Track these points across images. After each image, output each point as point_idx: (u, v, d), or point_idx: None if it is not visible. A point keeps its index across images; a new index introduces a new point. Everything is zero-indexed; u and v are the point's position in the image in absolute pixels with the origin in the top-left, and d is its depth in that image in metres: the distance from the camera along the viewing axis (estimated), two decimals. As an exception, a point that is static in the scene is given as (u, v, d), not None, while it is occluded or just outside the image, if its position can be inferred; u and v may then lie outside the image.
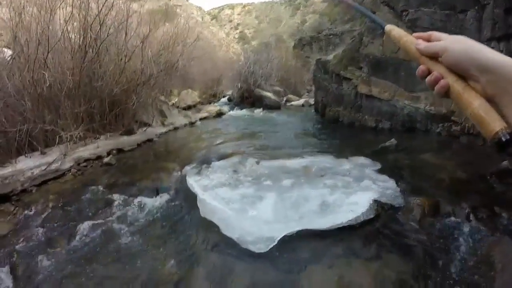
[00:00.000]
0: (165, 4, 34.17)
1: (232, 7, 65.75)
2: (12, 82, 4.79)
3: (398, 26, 0.67)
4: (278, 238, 2.76)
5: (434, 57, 0.56)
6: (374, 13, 7.06)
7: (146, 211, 3.53)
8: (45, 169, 4.77)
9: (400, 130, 6.50)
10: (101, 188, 4.17)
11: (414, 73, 0.58)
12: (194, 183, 3.95)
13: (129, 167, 5.08)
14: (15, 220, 3.52)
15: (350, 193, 3.44)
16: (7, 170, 4.72)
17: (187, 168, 4.57)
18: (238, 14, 63.75)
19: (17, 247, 3.02)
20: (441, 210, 3.13)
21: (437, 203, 3.20)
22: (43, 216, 3.58)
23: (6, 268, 2.76)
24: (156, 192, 3.95)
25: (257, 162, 4.48)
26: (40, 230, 3.28)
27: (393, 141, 5.43)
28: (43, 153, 5.39)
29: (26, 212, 3.65)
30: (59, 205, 3.80)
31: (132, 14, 7.42)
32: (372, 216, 3.05)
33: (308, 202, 3.32)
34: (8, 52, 5.40)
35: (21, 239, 3.14)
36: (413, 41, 0.60)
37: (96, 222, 3.35)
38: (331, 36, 18.86)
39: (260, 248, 2.69)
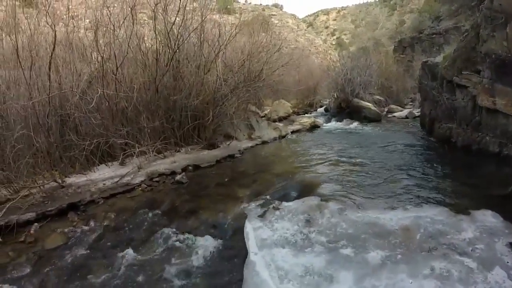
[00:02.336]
0: (260, 14, 35.03)
1: (326, 12, 64.09)
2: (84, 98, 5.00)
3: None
4: None
5: None
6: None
7: (190, 256, 2.95)
8: (117, 181, 4.80)
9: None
10: (160, 212, 3.87)
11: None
12: (251, 231, 3.15)
13: (199, 188, 4.69)
14: (71, 233, 3.48)
15: (471, 295, 2.15)
16: (82, 179, 4.92)
17: (252, 205, 3.82)
18: (334, 20, 61.85)
19: (55, 267, 2.90)
20: None
21: None
22: (96, 234, 3.46)
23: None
24: (213, 230, 3.39)
25: (340, 212, 3.36)
26: (87, 251, 3.14)
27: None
28: (122, 164, 5.51)
29: (84, 226, 3.61)
30: (115, 224, 3.66)
31: (217, 24, 7.28)
32: None
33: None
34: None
35: (65, 258, 3.04)
36: None
37: (138, 255, 3.01)
38: (434, 35, 16.84)
39: None
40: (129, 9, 5.51)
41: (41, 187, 4.32)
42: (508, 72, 4.89)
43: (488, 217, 3.06)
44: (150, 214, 3.80)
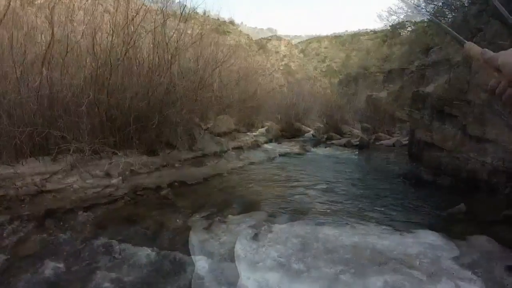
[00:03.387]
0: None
1: (318, 40, 65.76)
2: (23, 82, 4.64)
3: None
4: None
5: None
6: (480, 30, 5.56)
7: (179, 279, 2.72)
8: (100, 191, 4.63)
9: (461, 188, 5.15)
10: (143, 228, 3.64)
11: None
12: (197, 244, 3.12)
13: (186, 205, 4.46)
14: (45, 242, 3.22)
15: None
16: (8, 171, 4.46)
17: (197, 216, 3.84)
18: (325, 48, 63.43)
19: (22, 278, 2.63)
20: None
21: None
22: (70, 246, 3.19)
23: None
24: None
25: (291, 223, 3.41)
26: (57, 264, 2.84)
27: (461, 207, 4.22)
28: (54, 160, 5.01)
29: (60, 235, 3.34)
30: (93, 237, 3.38)
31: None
32: None
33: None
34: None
35: (34, 269, 2.75)
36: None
37: (112, 276, 2.74)
38: (423, 66, 17.06)
39: None
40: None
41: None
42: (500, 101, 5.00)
43: (429, 236, 3.17)
44: (131, 231, 3.57)
